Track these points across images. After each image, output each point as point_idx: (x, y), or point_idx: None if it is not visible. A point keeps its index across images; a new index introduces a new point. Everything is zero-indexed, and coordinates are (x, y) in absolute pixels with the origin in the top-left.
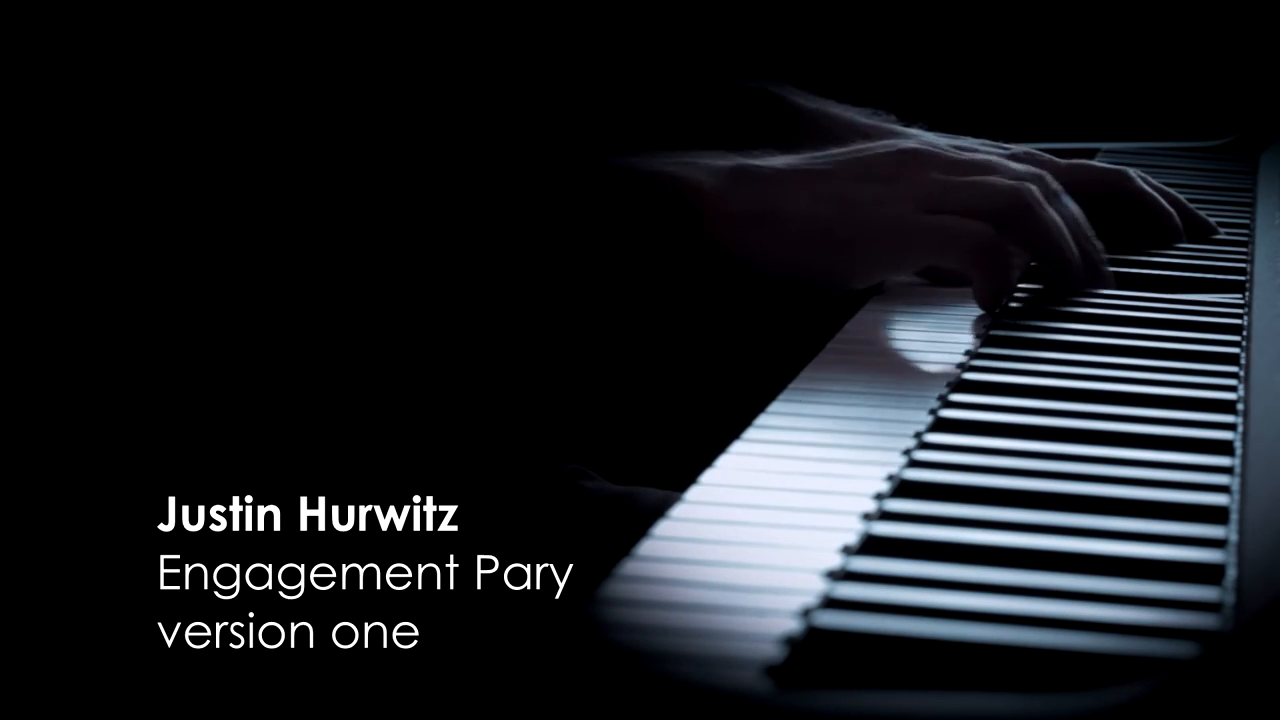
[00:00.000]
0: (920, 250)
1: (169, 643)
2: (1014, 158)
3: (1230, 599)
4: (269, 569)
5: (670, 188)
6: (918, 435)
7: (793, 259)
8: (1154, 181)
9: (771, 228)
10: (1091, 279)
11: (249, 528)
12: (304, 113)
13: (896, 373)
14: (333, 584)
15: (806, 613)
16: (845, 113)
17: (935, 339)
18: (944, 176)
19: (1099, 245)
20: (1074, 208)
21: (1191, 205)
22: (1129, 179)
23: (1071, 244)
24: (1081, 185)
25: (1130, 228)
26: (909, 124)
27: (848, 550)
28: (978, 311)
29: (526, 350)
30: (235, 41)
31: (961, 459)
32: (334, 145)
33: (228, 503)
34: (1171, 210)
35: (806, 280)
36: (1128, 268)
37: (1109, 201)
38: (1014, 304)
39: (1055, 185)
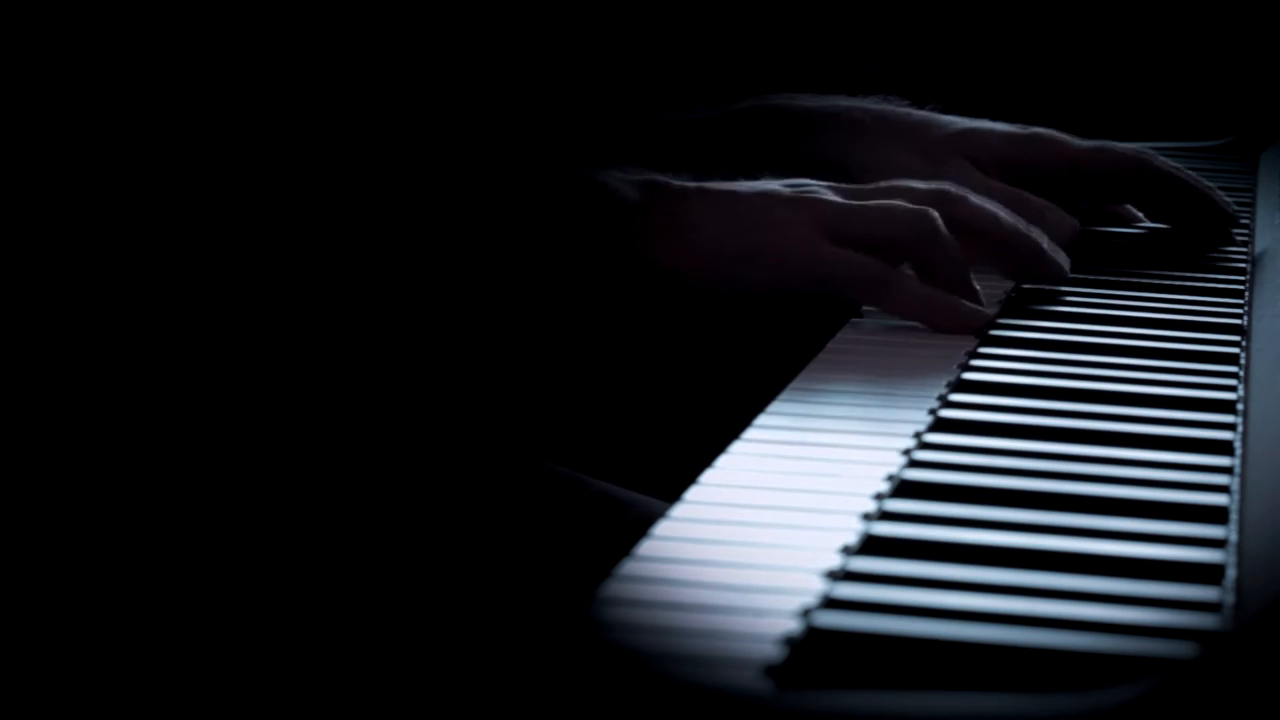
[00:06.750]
0: (816, 280)
1: (169, 643)
2: (1021, 139)
3: (1230, 599)
4: (269, 569)
5: (598, 197)
6: (918, 435)
7: (704, 270)
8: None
9: (681, 240)
10: (1034, 275)
11: (249, 527)
12: (293, 118)
13: (896, 373)
14: (333, 584)
15: (806, 613)
16: (856, 104)
17: (935, 339)
18: (844, 201)
19: (1031, 233)
20: (989, 207)
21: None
22: (1154, 159)
23: (967, 277)
24: (1106, 168)
25: (1164, 209)
26: (920, 107)
27: (848, 550)
28: None
29: (530, 353)
30: (219, 48)
31: (961, 459)
32: (323, 146)
33: (228, 502)
34: (1202, 184)
35: (725, 290)
36: (1128, 267)
37: (1137, 183)
38: (1013, 304)
39: (958, 193)
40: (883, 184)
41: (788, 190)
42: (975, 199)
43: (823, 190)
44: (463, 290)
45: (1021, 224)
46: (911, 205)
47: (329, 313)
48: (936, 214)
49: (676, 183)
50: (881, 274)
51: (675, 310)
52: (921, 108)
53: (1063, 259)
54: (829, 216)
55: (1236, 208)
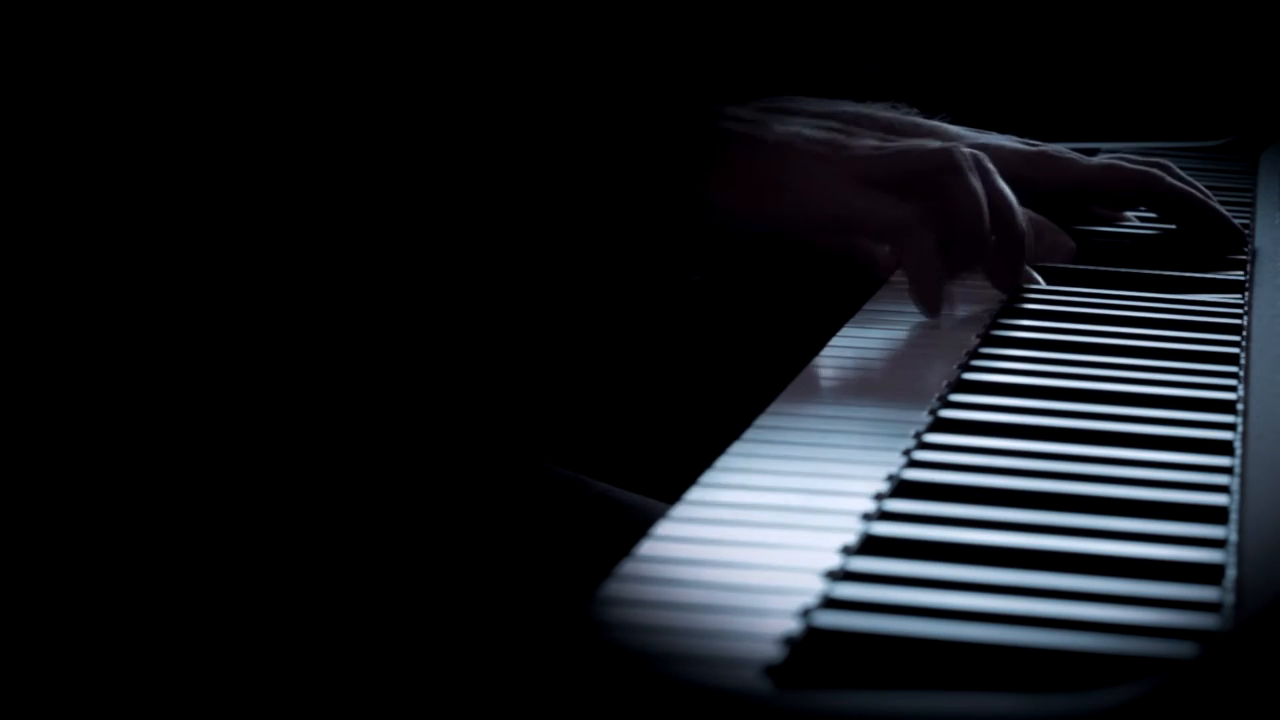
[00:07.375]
0: (845, 221)
1: (169, 643)
2: (1032, 157)
3: (1230, 599)
4: (270, 569)
5: (661, 129)
6: (917, 435)
7: (756, 214)
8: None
9: (738, 180)
10: (1002, 271)
11: (250, 527)
12: (310, 111)
13: (896, 372)
14: (334, 584)
15: (806, 613)
16: (862, 110)
17: (935, 339)
18: (875, 142)
19: (1023, 238)
20: (1005, 190)
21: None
22: (1161, 178)
23: (987, 222)
24: (1114, 187)
25: (1172, 222)
26: (931, 116)
27: (847, 550)
28: (977, 312)
29: (532, 350)
30: (247, 30)
31: (961, 459)
32: (345, 139)
33: (229, 502)
34: (1214, 203)
35: (767, 232)
36: (1127, 268)
37: (1145, 201)
38: (1011, 304)
39: (989, 165)
40: (924, 129)
41: (819, 142)
42: (1001, 180)
43: (860, 133)
44: (513, 241)
45: (1028, 224)
46: (937, 143)
47: (348, 296)
48: (965, 151)
49: (719, 122)
50: (906, 220)
51: (717, 256)
52: (932, 117)
53: (1031, 279)
54: (857, 163)
55: (1237, 211)
